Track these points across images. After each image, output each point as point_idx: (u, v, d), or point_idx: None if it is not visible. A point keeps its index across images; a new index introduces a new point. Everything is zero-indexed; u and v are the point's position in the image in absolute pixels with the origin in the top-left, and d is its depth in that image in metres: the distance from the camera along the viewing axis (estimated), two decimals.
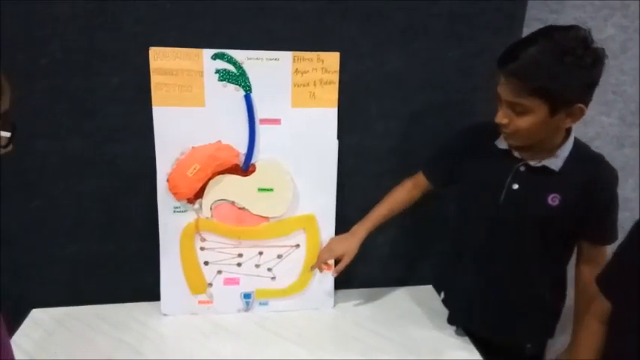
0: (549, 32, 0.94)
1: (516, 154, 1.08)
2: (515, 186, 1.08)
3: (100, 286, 1.36)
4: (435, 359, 1.19)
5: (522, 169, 1.08)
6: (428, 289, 1.47)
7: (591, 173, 1.04)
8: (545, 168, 1.05)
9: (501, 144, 1.09)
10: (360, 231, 1.26)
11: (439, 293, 1.42)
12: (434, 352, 1.21)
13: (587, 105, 0.96)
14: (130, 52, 1.18)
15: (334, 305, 1.37)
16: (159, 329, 1.26)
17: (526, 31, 1.29)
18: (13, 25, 1.13)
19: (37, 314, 1.30)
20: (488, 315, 1.20)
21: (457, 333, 1.28)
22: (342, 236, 1.29)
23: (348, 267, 1.41)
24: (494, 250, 1.14)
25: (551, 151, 1.05)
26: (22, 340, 1.19)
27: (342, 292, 1.41)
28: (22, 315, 1.30)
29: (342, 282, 1.40)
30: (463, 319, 1.28)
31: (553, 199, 1.05)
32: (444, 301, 1.34)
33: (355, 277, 1.45)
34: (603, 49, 0.93)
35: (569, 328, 1.15)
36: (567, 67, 0.91)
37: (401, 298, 1.42)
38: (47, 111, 1.21)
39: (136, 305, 1.34)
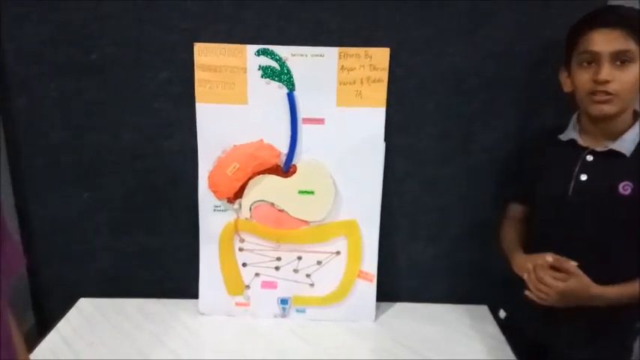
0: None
1: (581, 141, 1.05)
2: (584, 177, 1.03)
3: (146, 279, 1.37)
4: None
5: (590, 158, 1.03)
6: (481, 310, 1.33)
7: None
8: (613, 153, 1.01)
9: (565, 136, 1.08)
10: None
11: (493, 314, 1.29)
12: None
13: None
14: (177, 48, 1.19)
15: (375, 319, 1.28)
16: (194, 328, 1.24)
17: None
18: (65, 21, 1.17)
19: (83, 303, 1.33)
20: (561, 328, 1.08)
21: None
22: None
23: (394, 279, 1.33)
24: (567, 251, 1.01)
25: (618, 134, 1.01)
26: (64, 328, 1.22)
27: (386, 305, 1.32)
28: (73, 303, 1.34)
29: (386, 294, 1.31)
30: (530, 334, 1.15)
31: (625, 188, 0.99)
32: (506, 320, 1.22)
33: (401, 290, 1.35)
34: None
35: None
36: None
37: (450, 316, 1.30)
38: (99, 105, 1.24)
39: (176, 302, 1.33)
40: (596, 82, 0.97)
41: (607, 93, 0.97)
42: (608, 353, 1.09)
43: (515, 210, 1.22)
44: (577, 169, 1.03)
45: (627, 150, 1.00)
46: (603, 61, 0.97)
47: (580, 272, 0.98)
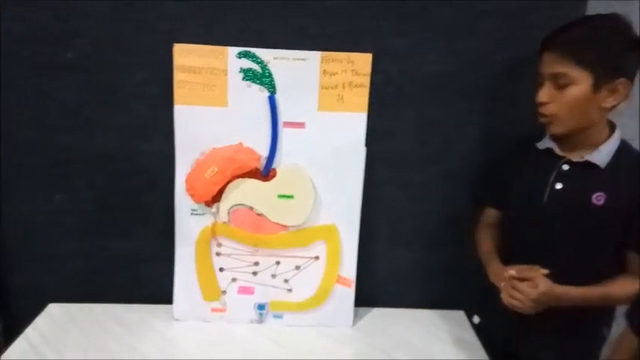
0: (594, 16, 1.00)
1: (558, 151, 1.06)
2: (559, 185, 1.04)
3: (119, 284, 1.33)
4: None
5: (566, 167, 1.05)
6: (458, 315, 1.34)
7: None
8: (589, 164, 1.02)
9: (542, 144, 1.08)
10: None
11: (470, 320, 1.30)
12: None
13: (632, 81, 0.95)
14: (156, 48, 1.16)
15: (353, 324, 1.28)
16: (168, 335, 1.21)
17: None
18: (40, 19, 1.13)
19: (53, 309, 1.29)
20: (532, 333, 1.10)
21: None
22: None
23: (373, 284, 1.33)
24: (541, 258, 1.03)
25: (594, 146, 1.02)
26: (32, 334, 1.18)
27: (364, 310, 1.32)
28: (42, 308, 1.29)
29: (365, 300, 1.31)
30: (503, 340, 1.17)
31: (598, 198, 1.00)
32: (480, 325, 1.23)
33: (379, 295, 1.35)
34: None
35: None
36: (613, 37, 0.94)
37: (427, 321, 1.31)
38: (73, 105, 1.20)
39: (150, 307, 1.30)
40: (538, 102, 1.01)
41: (545, 114, 1.01)
42: (575, 357, 1.11)
43: (490, 215, 1.23)
44: (552, 177, 1.05)
45: (602, 162, 1.01)
46: (544, 83, 1.00)
47: (542, 276, 0.99)
